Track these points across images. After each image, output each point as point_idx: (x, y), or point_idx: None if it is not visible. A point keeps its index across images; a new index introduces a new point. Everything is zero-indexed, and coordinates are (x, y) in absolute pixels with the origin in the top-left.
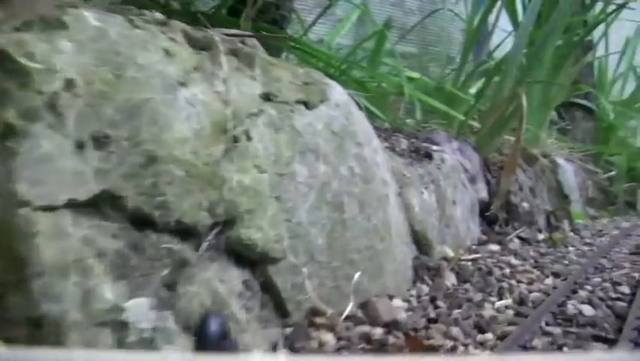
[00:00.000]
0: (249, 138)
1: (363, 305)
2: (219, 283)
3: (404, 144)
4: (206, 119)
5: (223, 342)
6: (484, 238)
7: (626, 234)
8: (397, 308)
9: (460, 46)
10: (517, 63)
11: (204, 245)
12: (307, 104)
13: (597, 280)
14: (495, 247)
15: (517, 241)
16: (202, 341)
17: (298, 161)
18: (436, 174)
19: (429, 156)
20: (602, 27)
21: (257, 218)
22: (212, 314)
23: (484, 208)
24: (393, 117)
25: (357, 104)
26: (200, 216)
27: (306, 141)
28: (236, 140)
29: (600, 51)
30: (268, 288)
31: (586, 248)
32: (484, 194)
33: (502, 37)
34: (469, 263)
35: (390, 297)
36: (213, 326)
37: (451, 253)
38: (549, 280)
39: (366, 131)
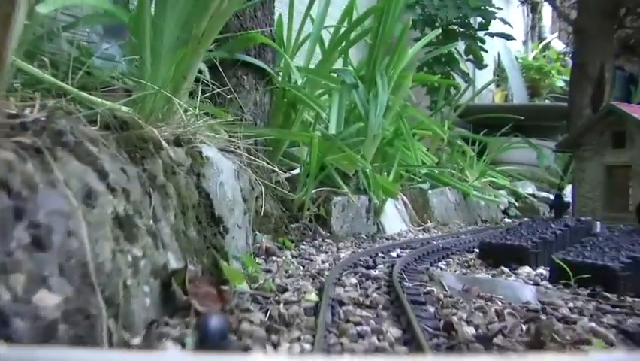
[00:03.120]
0: None
1: None
2: None
3: None
4: None
5: (223, 342)
6: None
7: (333, 301)
8: None
9: None
10: None
11: None
12: None
13: None
14: None
15: None
16: (202, 340)
17: None
18: None
19: None
20: None
21: None
22: (212, 314)
23: None
24: None
25: None
26: None
27: None
28: None
29: None
30: None
31: None
32: None
33: None
34: None
35: None
36: (213, 326)
37: None
38: None
39: None
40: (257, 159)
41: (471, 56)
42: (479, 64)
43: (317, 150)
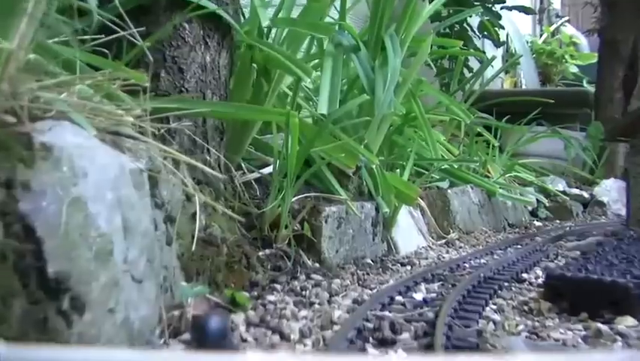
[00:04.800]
0: None
1: None
2: None
3: None
4: None
5: (223, 341)
6: None
7: None
8: None
9: None
10: None
11: None
12: None
13: None
14: None
15: None
16: (202, 340)
17: None
18: None
19: None
20: None
21: None
22: (212, 314)
23: None
24: None
25: None
26: None
27: None
28: None
29: None
30: None
31: None
32: None
33: None
34: None
35: None
36: (213, 326)
37: None
38: None
39: None
40: (200, 155)
41: (485, 33)
42: (497, 41)
43: (297, 136)
